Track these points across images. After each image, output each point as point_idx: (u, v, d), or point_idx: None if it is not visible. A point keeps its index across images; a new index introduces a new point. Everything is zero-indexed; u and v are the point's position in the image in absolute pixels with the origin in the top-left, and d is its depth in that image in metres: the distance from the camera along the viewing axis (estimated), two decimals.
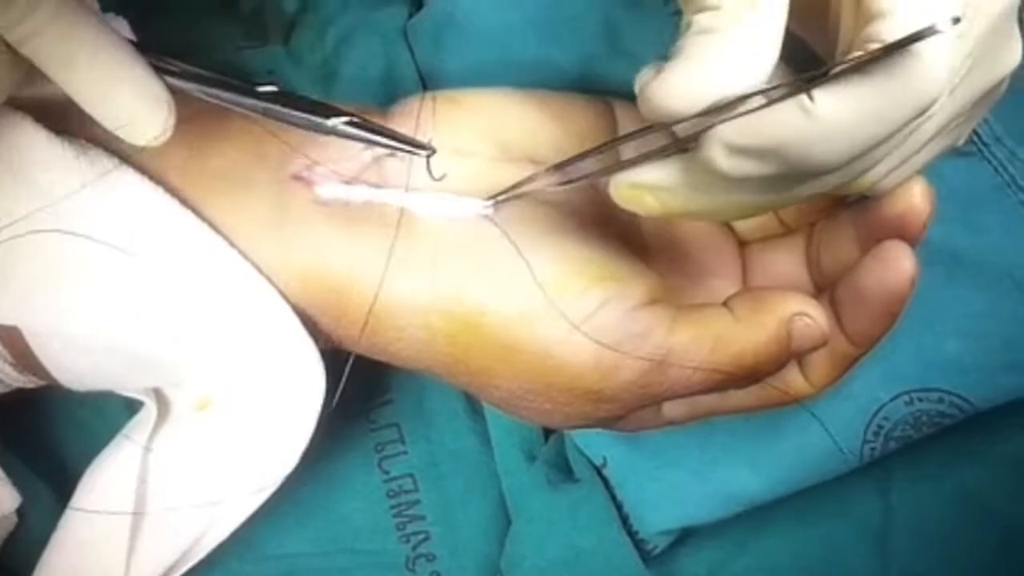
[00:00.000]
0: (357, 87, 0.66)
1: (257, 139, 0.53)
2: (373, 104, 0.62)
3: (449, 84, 0.62)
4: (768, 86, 0.42)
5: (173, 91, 0.47)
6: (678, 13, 0.60)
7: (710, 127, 0.43)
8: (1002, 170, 0.61)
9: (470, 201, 0.52)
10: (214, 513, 0.55)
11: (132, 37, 0.54)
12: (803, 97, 0.41)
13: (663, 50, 0.60)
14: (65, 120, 0.50)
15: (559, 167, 0.50)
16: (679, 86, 0.42)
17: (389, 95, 0.65)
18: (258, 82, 0.49)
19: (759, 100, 0.42)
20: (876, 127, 0.42)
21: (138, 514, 0.55)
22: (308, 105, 0.50)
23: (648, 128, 0.46)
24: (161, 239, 0.51)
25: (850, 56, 0.42)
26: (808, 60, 0.47)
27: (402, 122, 0.55)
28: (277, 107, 0.49)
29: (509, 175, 0.54)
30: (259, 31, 0.68)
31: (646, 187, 0.47)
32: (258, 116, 0.49)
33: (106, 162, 0.51)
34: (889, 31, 0.41)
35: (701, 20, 0.43)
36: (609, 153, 0.49)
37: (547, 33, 0.61)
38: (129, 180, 0.51)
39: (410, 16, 0.66)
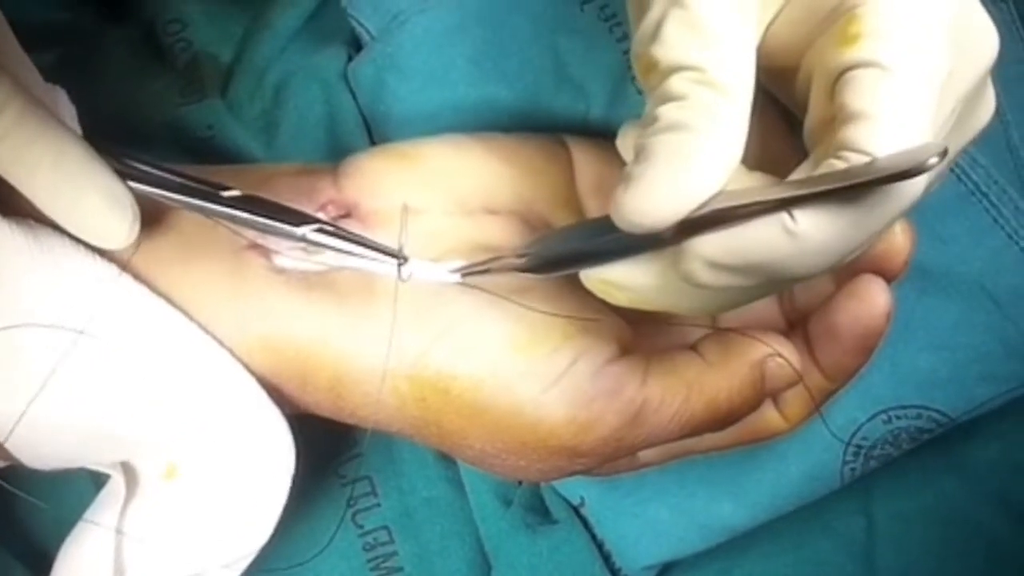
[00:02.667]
0: (299, 136, 0.64)
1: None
2: (317, 156, 0.62)
3: (394, 128, 0.61)
4: (746, 200, 0.41)
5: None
6: (624, 39, 0.59)
7: (687, 238, 0.42)
8: (965, 178, 0.61)
9: (436, 270, 0.50)
10: None
11: (71, 107, 0.53)
12: (785, 216, 0.40)
13: (610, 79, 0.59)
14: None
15: (532, 250, 0.49)
16: (654, 200, 0.41)
17: (332, 143, 0.64)
18: (224, 186, 0.49)
19: (731, 204, 0.41)
20: (857, 240, 0.41)
21: None
22: (276, 210, 0.49)
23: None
24: (118, 317, 0.50)
25: (826, 167, 0.41)
26: None
27: (352, 181, 0.54)
28: (243, 214, 0.48)
29: (466, 229, 0.53)
30: (196, 85, 0.66)
31: (617, 285, 0.46)
32: (223, 221, 0.49)
33: (57, 245, 0.49)
34: (869, 139, 0.40)
35: (668, 114, 0.41)
36: (583, 235, 0.48)
37: (492, 70, 0.60)
38: (82, 260, 0.49)
39: (350, 59, 0.65)
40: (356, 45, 0.64)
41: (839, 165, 0.40)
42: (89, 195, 0.46)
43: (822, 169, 0.41)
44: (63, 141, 0.46)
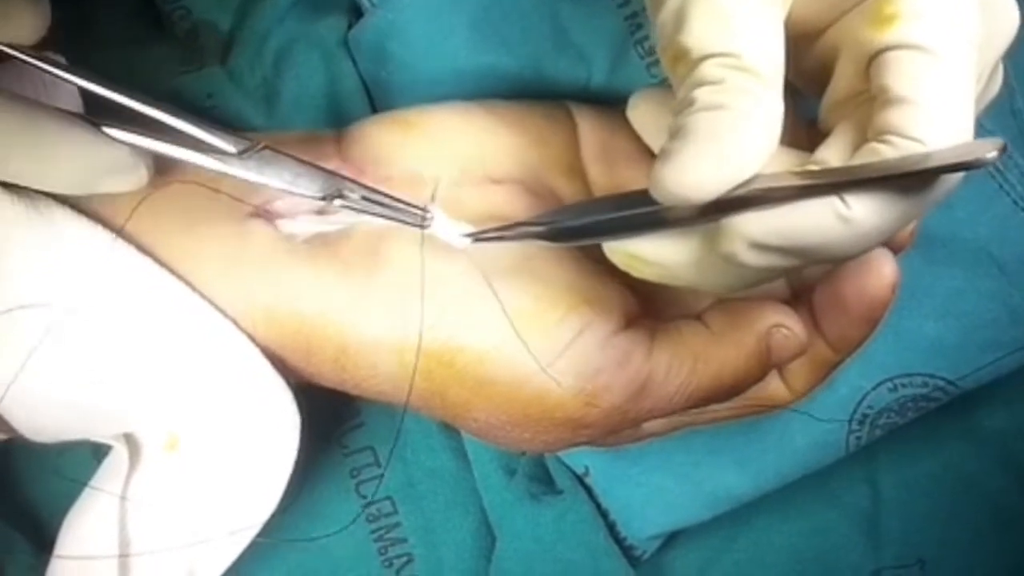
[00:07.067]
0: (300, 104, 0.63)
1: (210, 176, 0.51)
2: (319, 124, 0.61)
3: (395, 96, 0.61)
4: (791, 183, 0.41)
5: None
6: (625, 4, 0.58)
7: (725, 216, 0.41)
8: None
9: (450, 232, 0.50)
10: (201, 553, 0.54)
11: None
12: (837, 201, 0.40)
13: (612, 44, 0.59)
14: None
15: (552, 219, 0.49)
16: (697, 173, 0.40)
17: (333, 111, 0.63)
18: (246, 136, 0.48)
19: (773, 184, 0.41)
20: (904, 223, 0.41)
21: (124, 556, 0.53)
22: (295, 169, 0.49)
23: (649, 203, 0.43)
24: (120, 287, 0.49)
25: (871, 152, 0.41)
26: None
27: (356, 150, 0.54)
28: (260, 178, 0.48)
29: (471, 198, 0.53)
30: (196, 53, 0.65)
31: (644, 259, 0.45)
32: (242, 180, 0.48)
33: (57, 214, 0.49)
34: (918, 125, 0.40)
35: (704, 96, 0.41)
36: (607, 208, 0.47)
37: (493, 36, 0.59)
38: (81, 228, 0.49)
39: (350, 26, 0.64)
40: (356, 12, 0.64)
41: (886, 150, 0.40)
42: (106, 177, 0.47)
43: (867, 154, 0.41)
44: (68, 130, 0.46)
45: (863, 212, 0.40)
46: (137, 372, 0.50)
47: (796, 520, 0.65)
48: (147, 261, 0.50)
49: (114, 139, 0.47)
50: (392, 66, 0.60)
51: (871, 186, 0.40)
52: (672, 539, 0.65)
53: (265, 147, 0.48)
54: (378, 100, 0.63)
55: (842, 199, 0.40)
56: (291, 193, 0.48)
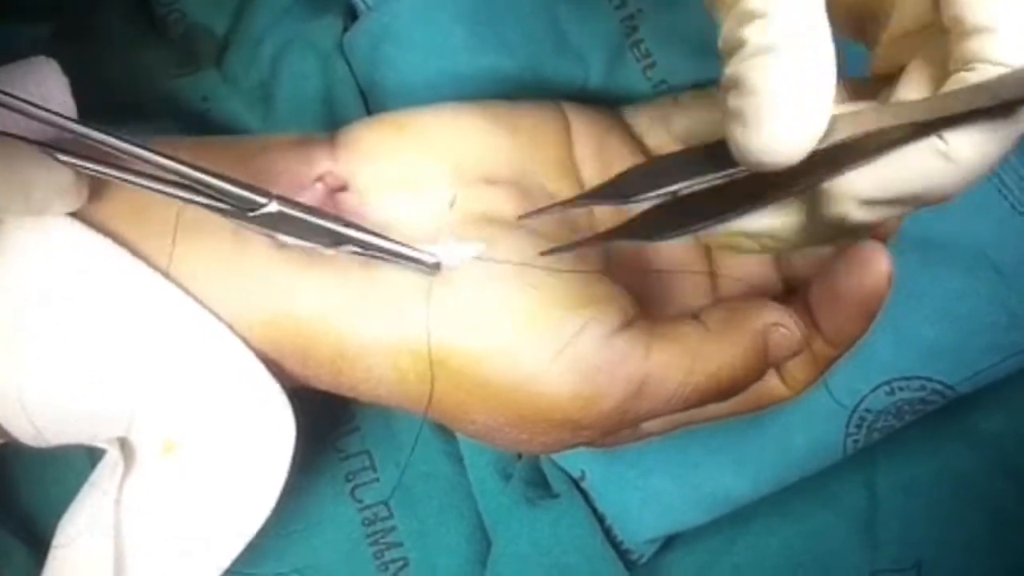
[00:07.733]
0: (295, 107, 0.63)
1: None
2: (314, 127, 0.61)
3: (391, 99, 0.60)
4: (885, 124, 0.40)
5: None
6: (621, 6, 0.58)
7: (827, 179, 0.41)
8: None
9: (455, 257, 0.50)
10: (196, 557, 0.54)
11: (64, 79, 0.52)
12: (937, 142, 0.40)
13: (609, 46, 0.59)
14: None
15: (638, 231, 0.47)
16: (784, 130, 0.39)
17: (329, 114, 0.63)
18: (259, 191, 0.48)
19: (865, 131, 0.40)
20: (1002, 151, 0.41)
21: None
22: (307, 225, 0.48)
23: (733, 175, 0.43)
24: (112, 292, 0.49)
25: (958, 81, 0.40)
26: None
27: (349, 152, 0.53)
28: (276, 233, 0.48)
29: (465, 200, 0.53)
30: (191, 56, 0.65)
31: (748, 234, 0.45)
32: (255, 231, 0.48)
33: (50, 219, 0.49)
34: (998, 50, 0.39)
35: (753, 36, 0.39)
36: (675, 173, 0.46)
37: (491, 38, 0.59)
38: (76, 233, 0.49)
39: (346, 29, 0.64)
40: (352, 14, 0.64)
41: (974, 78, 0.40)
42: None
43: (954, 84, 0.40)
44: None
45: (963, 146, 0.40)
46: (133, 377, 0.50)
47: (794, 523, 0.65)
48: (143, 266, 0.49)
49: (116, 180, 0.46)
50: (387, 69, 0.61)
51: (968, 119, 0.39)
52: (669, 542, 0.65)
53: (277, 198, 0.48)
54: (373, 103, 0.63)
55: (941, 137, 0.40)
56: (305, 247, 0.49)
